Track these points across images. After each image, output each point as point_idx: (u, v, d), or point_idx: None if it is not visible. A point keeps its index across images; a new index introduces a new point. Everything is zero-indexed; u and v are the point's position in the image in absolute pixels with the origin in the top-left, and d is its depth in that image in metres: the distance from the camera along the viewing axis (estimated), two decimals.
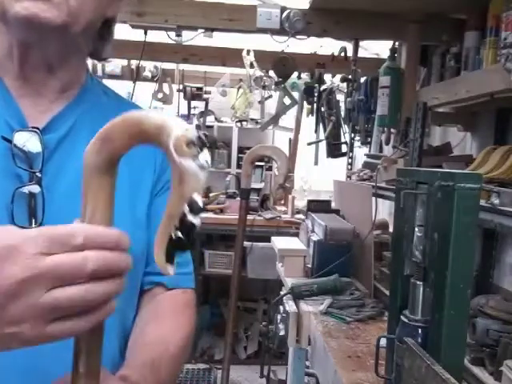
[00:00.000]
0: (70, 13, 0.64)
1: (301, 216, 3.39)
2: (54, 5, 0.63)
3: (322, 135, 2.96)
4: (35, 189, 0.66)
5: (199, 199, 0.44)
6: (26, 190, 0.66)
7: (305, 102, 3.13)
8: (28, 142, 0.67)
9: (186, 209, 0.44)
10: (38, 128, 0.68)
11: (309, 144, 3.19)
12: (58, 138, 0.71)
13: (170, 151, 0.43)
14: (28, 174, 0.67)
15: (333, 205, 2.36)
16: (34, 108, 0.70)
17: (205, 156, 0.43)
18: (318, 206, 2.23)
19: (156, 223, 0.78)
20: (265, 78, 2.96)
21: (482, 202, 1.10)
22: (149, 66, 3.74)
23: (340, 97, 2.94)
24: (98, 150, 0.47)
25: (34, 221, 0.66)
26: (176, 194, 0.44)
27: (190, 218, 0.45)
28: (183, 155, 0.42)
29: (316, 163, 3.39)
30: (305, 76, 3.16)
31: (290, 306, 1.57)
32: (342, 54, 2.52)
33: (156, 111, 0.46)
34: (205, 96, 4.09)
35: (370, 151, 2.63)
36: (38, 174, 0.67)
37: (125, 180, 0.75)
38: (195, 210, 0.44)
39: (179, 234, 0.45)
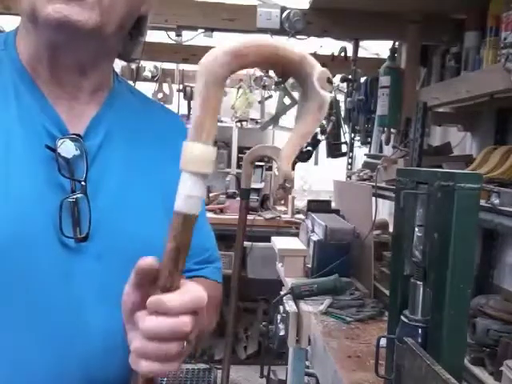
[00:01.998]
0: (103, 13, 0.62)
1: (301, 216, 3.39)
2: (87, 7, 0.61)
3: None
4: (80, 198, 0.65)
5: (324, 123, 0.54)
6: (72, 199, 0.64)
7: None
8: (66, 148, 0.65)
9: (318, 129, 0.53)
10: (79, 135, 0.67)
11: None
12: (97, 144, 0.69)
13: (313, 82, 0.50)
14: (69, 181, 0.65)
15: (333, 205, 2.36)
16: (69, 112, 0.68)
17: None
18: (317, 206, 2.23)
19: None
20: (265, 78, 2.96)
21: (482, 202, 1.10)
22: (149, 66, 3.74)
23: (340, 97, 2.94)
24: (228, 62, 0.49)
25: (78, 230, 0.65)
26: (314, 118, 0.52)
27: (319, 136, 0.53)
28: (324, 88, 0.50)
29: (316, 163, 3.39)
30: None
31: (289, 305, 1.57)
32: (342, 54, 2.52)
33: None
34: None
35: (370, 151, 2.63)
36: (82, 182, 0.65)
37: (157, 176, 0.75)
38: (322, 131, 0.53)
39: (309, 148, 0.54)
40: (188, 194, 0.50)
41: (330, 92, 0.52)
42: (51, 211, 0.63)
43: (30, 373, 0.62)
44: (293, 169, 0.53)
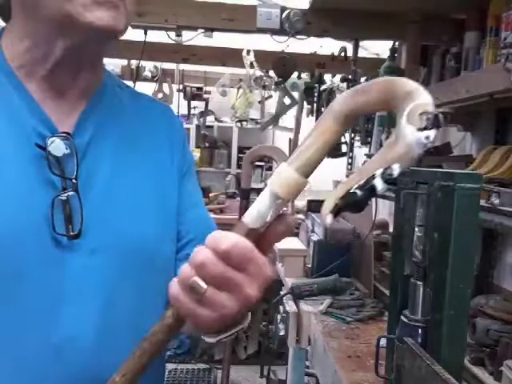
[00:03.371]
0: (128, 19, 0.64)
1: (301, 216, 3.39)
2: (121, 13, 0.62)
3: None
4: (71, 195, 0.65)
5: (397, 170, 0.42)
6: (63, 196, 0.65)
7: (305, 102, 3.13)
8: (56, 147, 0.65)
9: (379, 172, 0.43)
10: (68, 133, 0.67)
11: None
12: (86, 141, 0.69)
13: (402, 112, 0.42)
14: (60, 179, 0.65)
15: None
16: (57, 110, 0.68)
17: (430, 134, 0.41)
18: (318, 206, 2.23)
19: (186, 205, 0.79)
20: (265, 78, 2.96)
21: (482, 202, 1.10)
22: (149, 66, 3.74)
23: None
24: (351, 97, 0.47)
25: (70, 227, 0.65)
26: (381, 156, 0.44)
27: (376, 181, 0.43)
28: (411, 122, 0.42)
29: None
30: (305, 76, 3.16)
31: (290, 305, 1.57)
32: (342, 54, 2.52)
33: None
34: (205, 96, 4.09)
35: (369, 151, 2.63)
36: (73, 180, 0.65)
37: (148, 168, 0.75)
38: (386, 177, 0.43)
39: (357, 190, 0.44)
40: (263, 212, 0.49)
41: (420, 129, 0.41)
42: (43, 209, 0.63)
43: (25, 369, 0.62)
44: (332, 211, 0.45)
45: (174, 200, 0.78)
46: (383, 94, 0.45)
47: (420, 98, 0.42)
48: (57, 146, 0.65)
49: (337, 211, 0.45)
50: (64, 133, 0.66)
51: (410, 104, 0.42)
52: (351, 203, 0.44)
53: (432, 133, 0.41)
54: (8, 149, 0.64)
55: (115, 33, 0.63)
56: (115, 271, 0.68)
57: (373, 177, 0.43)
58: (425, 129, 0.41)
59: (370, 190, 0.43)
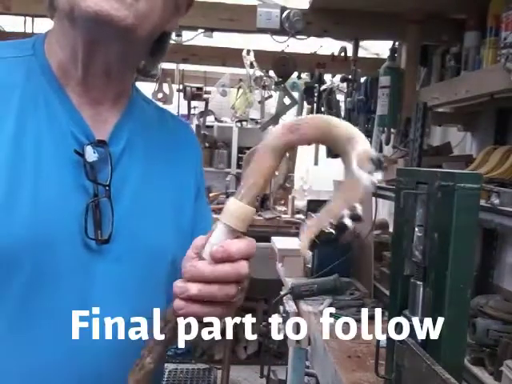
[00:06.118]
0: (138, 16, 0.63)
1: (301, 216, 3.40)
2: (125, 5, 0.62)
3: None
4: (103, 201, 0.67)
5: (359, 208, 0.51)
6: (95, 202, 0.66)
7: (305, 102, 3.13)
8: (89, 153, 0.67)
9: (346, 212, 0.51)
10: (105, 142, 0.69)
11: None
12: (120, 150, 0.71)
13: (351, 160, 0.50)
14: (93, 185, 0.67)
15: None
16: (94, 118, 0.70)
17: (376, 176, 0.51)
18: (317, 206, 2.23)
19: (199, 226, 0.81)
20: (265, 78, 2.96)
21: (482, 202, 1.10)
22: None
23: (340, 97, 2.93)
24: (283, 134, 0.54)
25: (99, 232, 0.66)
26: (342, 198, 0.52)
27: (347, 221, 0.51)
28: (363, 168, 0.50)
29: (316, 163, 3.39)
30: (305, 76, 3.16)
31: (290, 305, 1.57)
32: (342, 54, 2.52)
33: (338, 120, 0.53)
34: (205, 96, 4.09)
35: None
36: (107, 187, 0.67)
37: (168, 185, 0.77)
38: (353, 216, 0.51)
39: (332, 230, 0.52)
40: (213, 244, 0.56)
41: (370, 173, 0.50)
42: (76, 214, 0.65)
43: (46, 371, 0.63)
44: (309, 248, 0.54)
45: (189, 214, 0.80)
46: (319, 133, 0.52)
47: (361, 143, 0.51)
48: (88, 153, 0.67)
49: (313, 246, 0.53)
50: (100, 141, 0.69)
51: (354, 149, 0.50)
52: (329, 241, 0.54)
53: (377, 173, 0.52)
54: (47, 152, 0.65)
55: (114, 22, 0.62)
56: (136, 279, 0.70)
57: (342, 217, 0.51)
58: (373, 171, 0.50)
59: (342, 229, 0.52)
